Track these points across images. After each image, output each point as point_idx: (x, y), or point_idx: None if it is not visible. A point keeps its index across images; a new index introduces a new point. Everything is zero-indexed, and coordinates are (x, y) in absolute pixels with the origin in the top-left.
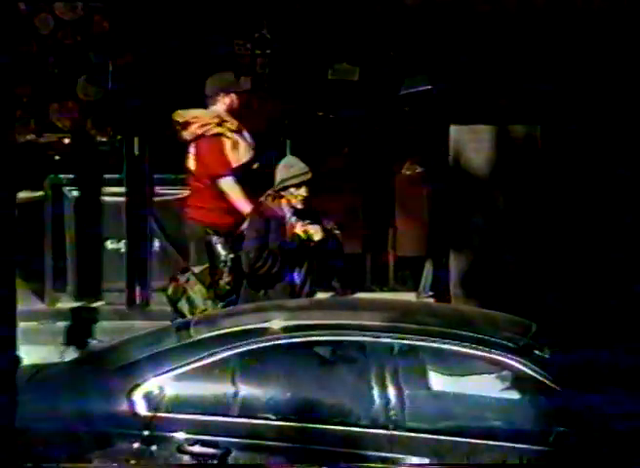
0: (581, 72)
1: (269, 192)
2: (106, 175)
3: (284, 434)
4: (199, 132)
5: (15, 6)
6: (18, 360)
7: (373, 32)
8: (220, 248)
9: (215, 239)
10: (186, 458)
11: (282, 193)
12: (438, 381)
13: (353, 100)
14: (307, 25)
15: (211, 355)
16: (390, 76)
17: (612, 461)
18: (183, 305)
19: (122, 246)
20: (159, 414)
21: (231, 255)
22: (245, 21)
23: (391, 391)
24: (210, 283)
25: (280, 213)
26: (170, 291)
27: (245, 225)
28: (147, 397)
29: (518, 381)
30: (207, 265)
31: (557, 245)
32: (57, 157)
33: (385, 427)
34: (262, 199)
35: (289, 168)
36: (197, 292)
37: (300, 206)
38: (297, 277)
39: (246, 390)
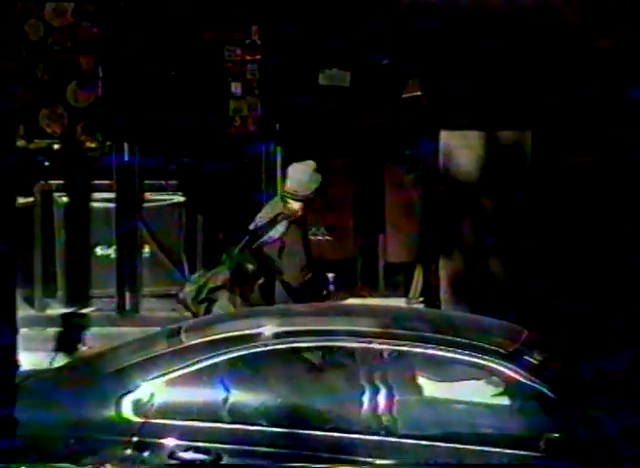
0: (572, 78)
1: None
2: (96, 181)
3: (275, 440)
4: None
5: (13, 11)
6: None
7: (364, 37)
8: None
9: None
10: (178, 464)
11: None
12: (428, 387)
13: (344, 106)
14: (298, 31)
15: (202, 361)
16: (382, 82)
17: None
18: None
19: (112, 252)
20: (149, 421)
21: (255, 266)
22: (235, 28)
23: (382, 397)
24: (239, 294)
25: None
26: (190, 297)
27: (259, 224)
28: (138, 403)
29: (508, 387)
30: (223, 272)
31: (547, 250)
32: (46, 163)
33: (376, 433)
34: (279, 201)
35: (298, 178)
36: (228, 307)
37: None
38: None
39: (237, 396)
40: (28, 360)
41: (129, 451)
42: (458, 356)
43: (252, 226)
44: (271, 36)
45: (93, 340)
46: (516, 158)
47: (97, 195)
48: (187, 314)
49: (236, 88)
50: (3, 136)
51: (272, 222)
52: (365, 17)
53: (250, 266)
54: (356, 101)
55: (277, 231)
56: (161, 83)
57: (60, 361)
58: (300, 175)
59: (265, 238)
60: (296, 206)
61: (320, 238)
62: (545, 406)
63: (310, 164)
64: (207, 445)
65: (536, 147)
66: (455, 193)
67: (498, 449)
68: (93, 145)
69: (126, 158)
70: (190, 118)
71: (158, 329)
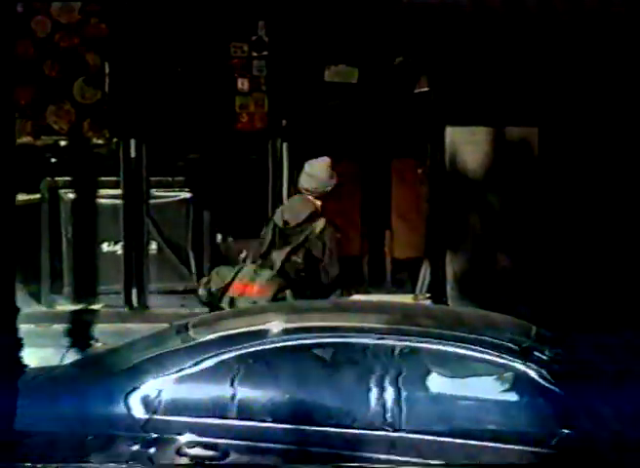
0: (579, 74)
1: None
2: (103, 178)
3: (284, 436)
4: None
5: (13, 9)
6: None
7: (371, 33)
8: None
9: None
10: (186, 460)
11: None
12: (439, 383)
13: (351, 102)
14: (305, 27)
15: (210, 357)
16: (389, 78)
17: (612, 464)
18: None
19: (118, 248)
20: (159, 417)
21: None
22: (242, 24)
23: (392, 393)
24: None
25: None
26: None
27: (292, 223)
28: (147, 399)
29: (520, 383)
30: (263, 269)
31: (553, 246)
32: (53, 159)
33: (386, 429)
34: (306, 199)
35: (317, 175)
36: None
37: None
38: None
39: (246, 392)
40: (35, 356)
41: (138, 448)
42: (469, 352)
43: (280, 223)
44: (278, 32)
45: (100, 336)
46: (523, 154)
47: (103, 192)
48: (196, 310)
49: (243, 84)
50: (3, 135)
51: (309, 220)
52: (372, 13)
53: (301, 263)
54: (363, 98)
55: (316, 229)
56: (168, 79)
57: (70, 357)
58: (318, 173)
59: (304, 237)
60: (317, 203)
61: None
62: (556, 401)
63: (327, 161)
64: (215, 441)
65: (542, 143)
66: (461, 189)
67: (509, 446)
68: (100, 142)
69: (133, 154)
70: (197, 114)
71: (166, 325)
